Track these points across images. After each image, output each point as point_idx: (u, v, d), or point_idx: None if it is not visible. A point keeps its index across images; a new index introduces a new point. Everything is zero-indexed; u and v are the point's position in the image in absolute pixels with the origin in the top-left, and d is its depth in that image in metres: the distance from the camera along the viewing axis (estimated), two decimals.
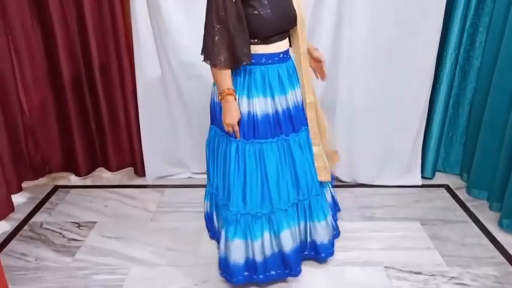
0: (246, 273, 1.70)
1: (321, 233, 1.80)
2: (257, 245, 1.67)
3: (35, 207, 2.36)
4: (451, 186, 2.56)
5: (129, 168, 2.74)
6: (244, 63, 1.57)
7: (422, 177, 2.59)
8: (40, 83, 2.45)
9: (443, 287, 1.78)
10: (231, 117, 1.59)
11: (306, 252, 1.85)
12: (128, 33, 2.34)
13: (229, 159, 1.67)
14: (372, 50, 2.29)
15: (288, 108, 1.69)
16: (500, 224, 2.16)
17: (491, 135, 2.30)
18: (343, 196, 2.44)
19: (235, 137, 1.64)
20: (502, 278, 1.83)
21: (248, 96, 1.63)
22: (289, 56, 1.73)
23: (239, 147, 1.65)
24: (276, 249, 1.70)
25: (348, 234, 2.10)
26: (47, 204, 2.40)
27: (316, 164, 1.80)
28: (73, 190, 2.54)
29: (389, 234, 2.11)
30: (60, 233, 2.14)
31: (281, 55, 1.66)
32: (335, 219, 2.05)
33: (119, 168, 2.71)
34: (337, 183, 2.59)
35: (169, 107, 2.50)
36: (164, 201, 2.41)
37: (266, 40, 1.60)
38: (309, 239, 1.82)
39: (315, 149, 1.80)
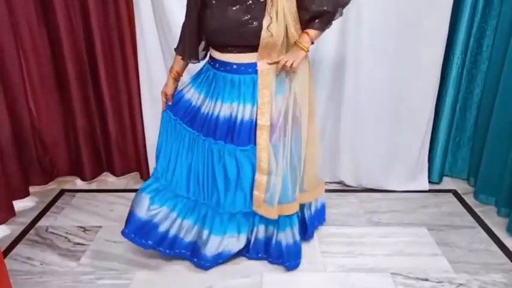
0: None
1: (206, 243, 1.82)
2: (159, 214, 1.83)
3: (41, 211, 2.37)
4: (459, 191, 2.53)
5: (135, 172, 2.74)
6: (190, 62, 1.85)
7: (430, 182, 2.56)
8: (46, 85, 2.46)
9: None
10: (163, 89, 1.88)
11: (184, 251, 1.88)
12: (134, 37, 2.34)
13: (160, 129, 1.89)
14: (377, 53, 2.28)
15: (218, 116, 1.73)
16: (509, 230, 2.13)
17: (498, 140, 2.27)
18: (350, 201, 2.43)
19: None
20: (511, 285, 1.80)
21: (194, 87, 1.82)
22: (252, 70, 1.69)
23: (165, 117, 1.87)
24: (176, 232, 1.86)
25: (354, 239, 2.09)
26: (52, 208, 2.40)
27: (254, 192, 1.75)
28: (79, 194, 2.55)
29: (396, 240, 2.08)
30: (66, 237, 2.14)
31: (235, 66, 1.70)
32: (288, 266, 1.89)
33: (124, 173, 2.72)
34: (344, 187, 2.57)
35: None
36: None
37: (217, 48, 1.72)
38: (197, 241, 1.86)
39: (258, 176, 1.73)
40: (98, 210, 2.38)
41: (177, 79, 1.87)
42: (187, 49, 1.79)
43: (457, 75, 2.40)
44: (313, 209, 2.04)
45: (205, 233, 1.82)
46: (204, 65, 1.85)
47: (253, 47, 1.65)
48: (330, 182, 2.59)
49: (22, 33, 2.33)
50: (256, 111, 1.69)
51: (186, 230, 1.86)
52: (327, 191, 2.51)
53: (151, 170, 2.56)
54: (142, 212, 1.81)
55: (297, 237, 1.85)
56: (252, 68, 1.69)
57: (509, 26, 2.18)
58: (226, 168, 1.74)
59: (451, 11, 2.21)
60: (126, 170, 2.72)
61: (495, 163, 2.30)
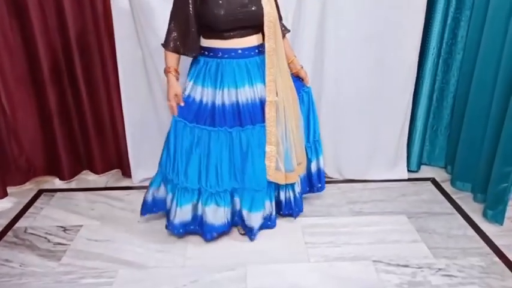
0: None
1: (251, 219, 1.95)
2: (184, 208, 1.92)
3: (19, 212, 2.31)
4: (437, 179, 2.60)
5: (116, 170, 2.70)
6: (189, 55, 1.82)
7: (408, 170, 2.62)
8: (20, 82, 2.39)
9: (431, 279, 1.80)
10: (168, 94, 1.83)
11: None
12: (110, 27, 2.26)
13: (169, 135, 1.87)
14: (355, 46, 2.31)
15: (237, 102, 1.83)
16: (485, 215, 2.19)
17: (473, 128, 2.33)
18: (332, 192, 2.45)
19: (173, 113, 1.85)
20: (488, 268, 1.86)
21: (199, 84, 1.84)
22: (256, 52, 1.85)
23: (179, 127, 1.84)
24: (199, 216, 1.93)
25: (337, 229, 2.12)
26: (31, 209, 2.35)
27: (266, 163, 1.89)
28: (58, 194, 2.50)
29: (377, 229, 2.12)
30: (46, 238, 2.10)
31: (240, 51, 1.80)
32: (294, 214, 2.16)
33: (104, 170, 2.67)
34: (326, 179, 2.59)
35: (154, 103, 2.45)
36: None
37: (222, 36, 1.77)
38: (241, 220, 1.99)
39: (268, 148, 1.88)
40: (78, 209, 2.34)
41: (178, 78, 1.85)
42: (189, 44, 1.78)
43: (433, 65, 2.44)
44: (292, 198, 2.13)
45: (248, 212, 1.95)
46: (195, 62, 1.88)
47: (254, 30, 1.80)
48: None
49: None
50: (264, 89, 1.83)
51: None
52: None
53: (132, 167, 2.54)
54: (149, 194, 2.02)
55: (297, 192, 2.09)
56: (254, 49, 1.83)
57: (482, 16, 2.22)
58: (260, 147, 1.87)
59: (426, 6, 2.25)
60: (107, 167, 2.68)
61: (471, 151, 2.36)
